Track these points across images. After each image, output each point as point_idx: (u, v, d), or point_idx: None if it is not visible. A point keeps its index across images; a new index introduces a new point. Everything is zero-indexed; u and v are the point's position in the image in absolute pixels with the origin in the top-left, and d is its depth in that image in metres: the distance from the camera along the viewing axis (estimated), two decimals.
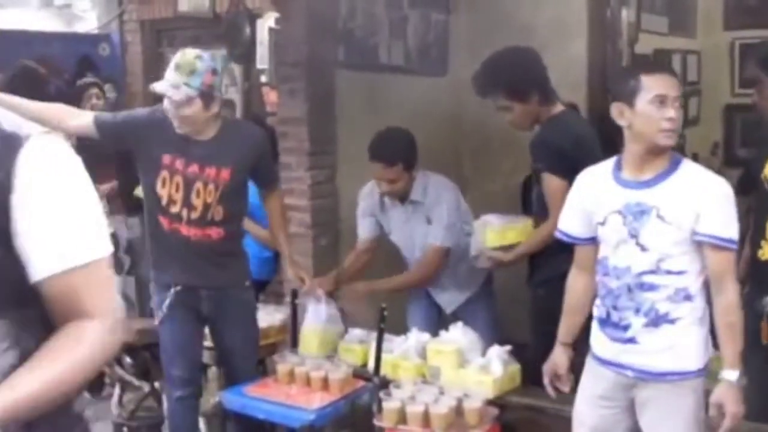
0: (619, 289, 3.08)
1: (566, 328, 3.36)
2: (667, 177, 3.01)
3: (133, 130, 4.05)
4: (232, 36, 6.45)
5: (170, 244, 4.04)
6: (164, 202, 4.01)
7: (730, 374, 2.95)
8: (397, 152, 4.35)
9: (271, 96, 6.01)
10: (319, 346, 4.23)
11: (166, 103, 3.93)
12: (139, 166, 4.10)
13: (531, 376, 3.99)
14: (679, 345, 3.04)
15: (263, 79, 6.29)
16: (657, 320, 3.03)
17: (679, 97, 3.02)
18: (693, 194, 2.97)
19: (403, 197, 4.48)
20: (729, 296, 2.97)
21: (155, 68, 7.51)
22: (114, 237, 5.88)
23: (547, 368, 3.37)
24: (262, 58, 6.11)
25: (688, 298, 3.02)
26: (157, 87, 3.92)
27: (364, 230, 4.63)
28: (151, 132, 4.00)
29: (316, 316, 4.27)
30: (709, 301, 3.06)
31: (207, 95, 3.90)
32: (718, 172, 6.95)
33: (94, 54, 7.53)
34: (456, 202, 4.51)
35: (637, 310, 3.06)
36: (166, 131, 3.97)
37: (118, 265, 5.99)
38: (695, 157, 7.40)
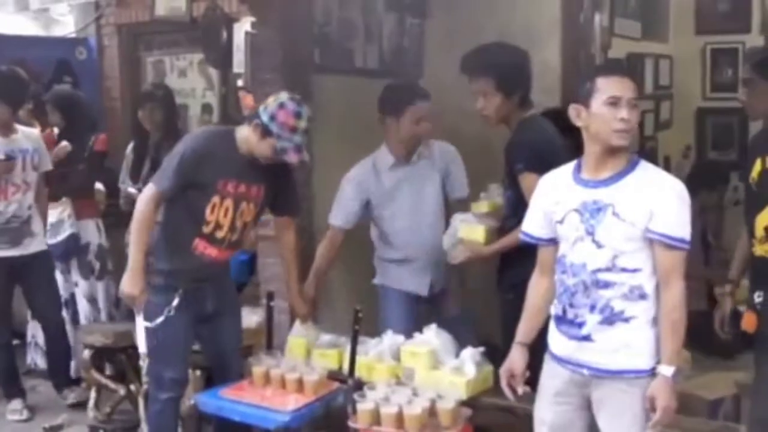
0: (575, 286, 3.12)
1: (525, 329, 3.38)
2: (624, 176, 3.06)
3: (191, 173, 3.96)
4: (209, 40, 6.44)
5: (191, 261, 4.05)
6: (210, 227, 4.00)
7: (666, 369, 3.00)
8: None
9: (247, 100, 5.98)
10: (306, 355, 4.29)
11: (277, 158, 3.94)
12: (190, 197, 4.02)
13: None
14: (633, 343, 3.07)
15: (240, 83, 6.27)
16: (612, 318, 3.06)
17: (634, 99, 3.05)
18: (648, 193, 3.01)
19: (409, 154, 4.59)
20: (674, 294, 3.00)
21: (132, 72, 7.49)
22: (77, 239, 5.88)
23: (503, 369, 3.38)
24: (239, 63, 6.09)
25: (642, 296, 3.05)
26: (299, 157, 3.94)
27: (349, 216, 4.61)
28: (208, 162, 3.95)
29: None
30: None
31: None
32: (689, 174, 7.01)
33: (72, 58, 7.49)
34: None
35: (593, 308, 3.10)
36: (221, 157, 3.97)
37: (87, 269, 5.97)
38: (667, 160, 7.52)
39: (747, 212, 3.83)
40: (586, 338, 3.12)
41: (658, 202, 2.99)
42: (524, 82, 4.15)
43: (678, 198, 3.01)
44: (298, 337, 4.36)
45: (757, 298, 3.76)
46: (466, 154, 5.08)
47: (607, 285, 3.06)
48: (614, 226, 3.03)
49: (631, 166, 3.08)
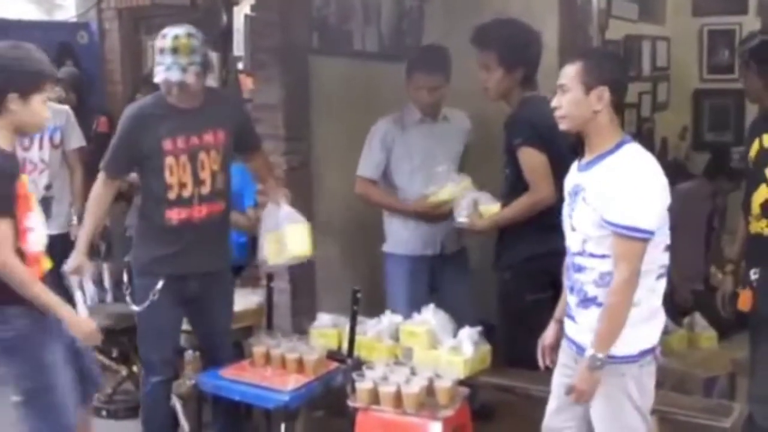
0: (566, 266, 3.20)
1: (559, 306, 3.39)
2: (601, 161, 3.03)
3: (132, 145, 3.95)
4: (209, 23, 6.39)
5: (171, 239, 3.97)
6: (175, 191, 3.93)
7: (589, 351, 2.98)
8: (443, 63, 4.57)
9: (247, 83, 5.98)
10: (277, 252, 4.13)
11: (167, 86, 3.88)
12: (146, 169, 4.00)
13: (500, 357, 4.03)
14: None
15: (240, 66, 6.25)
16: (586, 302, 3.06)
17: (564, 84, 3.06)
18: (609, 179, 2.97)
19: (435, 114, 4.63)
20: (617, 280, 2.95)
21: (133, 55, 7.47)
22: None
23: (540, 342, 3.41)
24: (239, 45, 6.08)
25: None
26: (166, 76, 3.83)
27: (378, 166, 4.66)
28: (143, 132, 3.92)
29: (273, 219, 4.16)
30: (653, 288, 3.06)
31: (205, 66, 3.95)
32: (687, 155, 7.05)
33: (73, 42, 7.46)
34: None
35: (572, 289, 3.14)
36: (155, 120, 3.92)
37: (94, 251, 5.94)
38: (664, 141, 7.50)
39: (745, 191, 3.85)
40: (572, 317, 3.17)
41: (614, 188, 2.94)
42: (528, 60, 4.14)
43: (633, 186, 2.93)
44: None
45: (753, 275, 3.78)
46: None
47: (580, 269, 3.08)
48: (583, 211, 3.04)
49: (610, 151, 3.03)
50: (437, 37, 5.53)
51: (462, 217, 4.18)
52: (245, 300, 4.58)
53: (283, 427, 3.89)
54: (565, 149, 3.57)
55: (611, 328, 2.96)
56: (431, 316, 4.01)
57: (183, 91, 3.89)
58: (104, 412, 5.08)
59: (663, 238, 3.03)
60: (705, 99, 7.67)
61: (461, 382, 3.71)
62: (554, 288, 3.65)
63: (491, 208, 4.15)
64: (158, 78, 3.88)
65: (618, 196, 2.92)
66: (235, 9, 6.17)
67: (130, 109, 4.05)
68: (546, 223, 3.73)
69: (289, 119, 4.79)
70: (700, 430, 3.50)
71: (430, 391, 3.59)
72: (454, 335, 3.94)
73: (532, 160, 3.93)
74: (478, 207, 4.17)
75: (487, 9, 5.10)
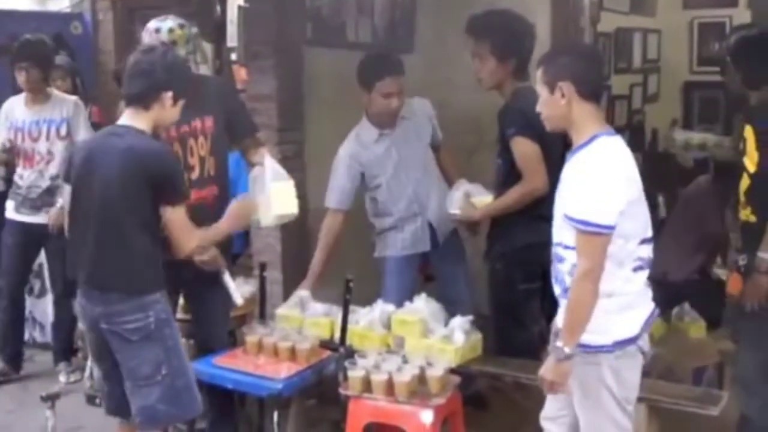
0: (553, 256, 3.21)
1: None
2: (575, 154, 3.07)
3: None
4: (204, 14, 6.38)
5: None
6: None
7: (557, 343, 2.99)
8: (400, 62, 4.54)
9: (241, 73, 5.96)
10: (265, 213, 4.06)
11: None
12: None
13: (491, 346, 4.05)
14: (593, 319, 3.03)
15: (234, 57, 6.24)
16: (565, 292, 3.07)
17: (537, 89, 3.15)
18: (573, 173, 3.02)
19: (393, 122, 4.56)
20: (577, 273, 2.96)
21: (127, 46, 7.42)
22: None
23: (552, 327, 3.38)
24: (233, 37, 6.06)
25: None
26: None
27: (342, 196, 4.55)
28: None
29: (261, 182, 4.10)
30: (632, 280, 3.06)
31: (195, 53, 4.02)
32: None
33: (67, 32, 7.42)
34: None
35: (556, 278, 3.16)
36: None
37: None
38: (655, 133, 7.51)
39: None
40: (558, 304, 3.19)
41: (574, 183, 2.97)
42: (520, 51, 4.15)
43: (590, 181, 2.93)
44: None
45: (741, 261, 3.80)
46: (456, 126, 5.08)
47: (560, 259, 3.10)
48: (557, 202, 3.09)
49: (583, 144, 3.04)
50: (429, 28, 5.54)
51: (454, 209, 4.19)
52: (239, 289, 4.57)
53: (275, 414, 3.91)
54: (557, 140, 3.57)
55: (573, 321, 2.96)
56: (423, 305, 4.02)
57: None
58: (98, 400, 5.07)
59: (637, 231, 3.01)
60: (695, 91, 7.66)
61: (452, 371, 3.72)
62: (544, 278, 3.66)
63: (484, 199, 4.17)
64: None
65: (576, 191, 2.96)
66: (229, 1, 6.15)
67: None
68: (537, 214, 3.76)
69: (283, 110, 4.80)
70: (688, 418, 3.52)
71: (421, 379, 3.61)
72: (446, 324, 3.95)
73: (525, 149, 3.94)
74: (470, 199, 4.19)
75: (478, 1, 5.10)
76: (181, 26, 3.95)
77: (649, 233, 3.07)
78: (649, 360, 3.23)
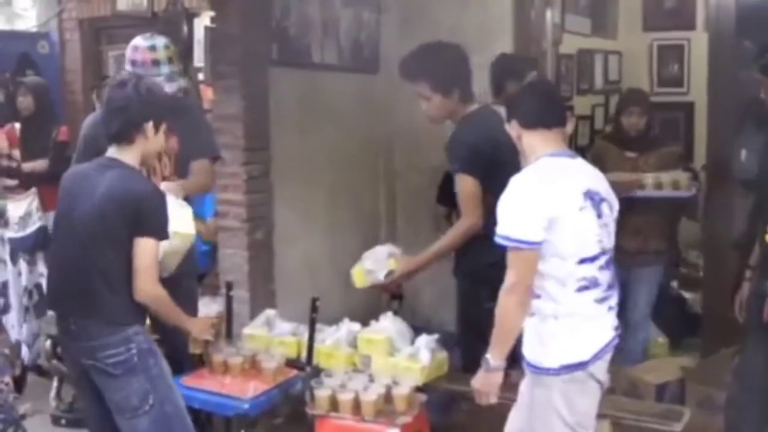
0: None
1: None
2: None
3: (88, 156, 3.80)
4: (170, 34, 6.27)
5: None
6: None
7: (488, 357, 3.05)
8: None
9: (208, 93, 5.93)
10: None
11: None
12: None
13: (460, 363, 4.03)
14: (530, 338, 3.08)
15: (201, 77, 6.20)
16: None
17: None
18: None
19: None
20: (503, 285, 3.01)
21: (94, 66, 7.38)
22: (46, 232, 5.74)
23: None
24: (200, 57, 6.03)
25: (536, 296, 3.04)
26: (176, 85, 3.99)
27: None
28: (101, 141, 3.72)
29: None
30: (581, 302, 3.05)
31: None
32: None
33: (34, 51, 7.37)
34: None
35: None
36: None
37: None
38: None
39: (764, 199, 3.86)
40: None
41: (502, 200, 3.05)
42: (461, 79, 4.06)
43: (509, 197, 3.02)
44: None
45: None
46: (424, 147, 5.08)
47: None
48: None
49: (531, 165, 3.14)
50: (393, 49, 5.54)
51: (382, 275, 4.09)
52: (205, 308, 4.51)
53: None
54: (508, 161, 3.52)
55: (498, 333, 3.02)
56: (389, 324, 4.00)
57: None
58: (63, 421, 5.01)
59: (571, 250, 2.99)
60: (655, 111, 7.67)
61: (419, 389, 3.70)
62: None
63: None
64: (168, 88, 3.91)
65: (500, 207, 3.02)
66: (196, 20, 6.12)
67: (89, 119, 4.02)
68: None
69: (249, 129, 4.77)
70: None
71: (387, 398, 3.59)
72: (412, 343, 3.93)
73: (464, 186, 3.91)
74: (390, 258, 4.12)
75: (441, 21, 5.13)
76: (170, 43, 3.96)
77: (591, 252, 3.02)
78: (605, 390, 3.20)
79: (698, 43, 6.75)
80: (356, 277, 4.12)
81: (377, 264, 4.08)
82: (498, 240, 2.99)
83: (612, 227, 3.15)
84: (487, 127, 4.03)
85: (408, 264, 4.08)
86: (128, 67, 4.04)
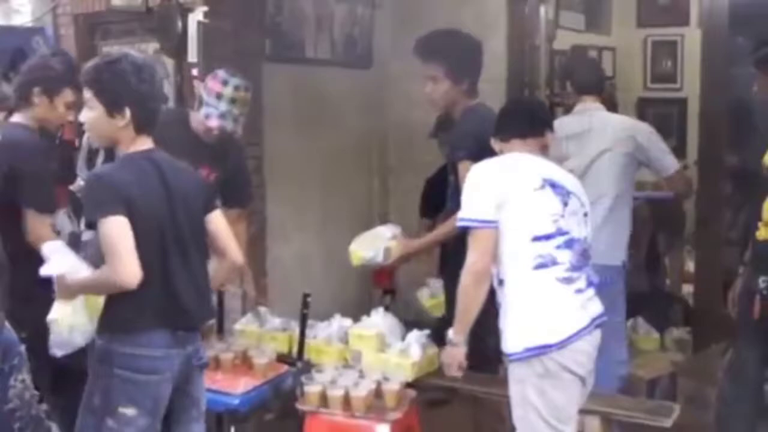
0: None
1: None
2: None
3: None
4: (164, 30, 6.27)
5: None
6: None
7: (450, 333, 3.21)
8: None
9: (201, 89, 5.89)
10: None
11: (210, 129, 3.92)
12: None
13: None
14: (503, 325, 3.14)
15: (194, 72, 6.16)
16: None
17: None
18: None
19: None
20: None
21: (88, 61, 7.32)
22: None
23: None
24: (193, 52, 5.98)
25: (501, 282, 3.13)
26: (221, 123, 3.89)
27: None
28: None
29: None
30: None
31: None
32: None
33: (28, 47, 7.30)
34: None
35: None
36: (175, 138, 3.65)
37: None
38: None
39: (756, 196, 3.81)
40: None
41: None
42: (474, 71, 4.05)
43: (465, 185, 3.21)
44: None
45: (762, 283, 3.68)
46: (418, 142, 5.05)
47: None
48: None
49: None
50: (387, 44, 5.53)
51: (381, 256, 4.03)
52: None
53: (233, 429, 3.83)
54: None
55: (459, 311, 3.16)
56: (380, 320, 3.97)
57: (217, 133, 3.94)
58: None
59: (524, 226, 3.06)
60: (649, 107, 7.71)
61: (409, 385, 3.67)
62: None
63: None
64: (212, 123, 3.89)
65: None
66: (190, 16, 6.06)
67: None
68: None
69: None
70: (641, 430, 3.50)
71: (378, 393, 3.56)
72: (403, 338, 3.90)
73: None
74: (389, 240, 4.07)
75: (436, 18, 5.08)
76: (247, 89, 4.00)
77: (544, 231, 3.06)
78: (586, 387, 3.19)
79: (692, 39, 6.72)
80: (354, 255, 4.07)
81: (377, 244, 4.04)
82: (458, 224, 3.15)
83: (582, 219, 3.20)
84: (489, 120, 4.02)
85: (406, 247, 4.06)
86: (201, 89, 4.03)
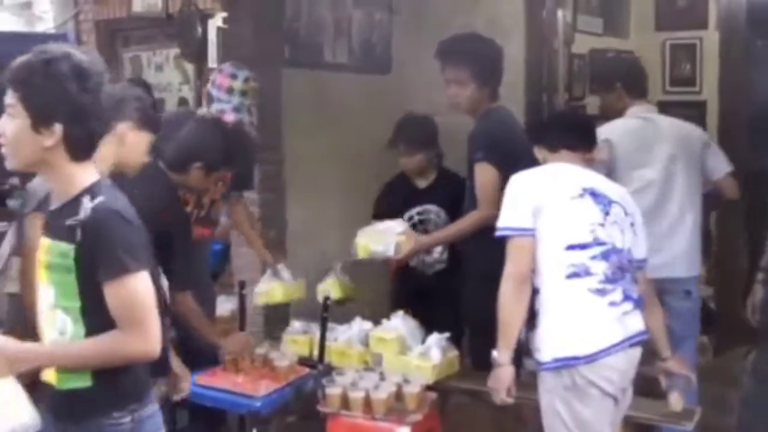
0: None
1: None
2: None
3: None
4: (185, 35, 6.35)
5: None
6: None
7: (494, 353, 3.12)
8: None
9: None
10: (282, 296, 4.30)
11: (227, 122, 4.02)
12: None
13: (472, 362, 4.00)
14: (537, 334, 3.08)
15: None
16: None
17: None
18: None
19: None
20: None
21: (110, 67, 7.36)
22: None
23: None
24: (213, 57, 6.02)
25: (536, 291, 3.07)
26: (237, 117, 4.08)
27: None
28: None
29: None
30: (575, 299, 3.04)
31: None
32: None
33: None
34: None
35: None
36: None
37: None
38: None
39: None
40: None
41: None
42: (497, 75, 4.11)
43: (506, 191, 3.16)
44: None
45: None
46: None
47: None
48: None
49: None
50: (405, 49, 5.52)
51: (391, 252, 4.02)
52: (219, 307, 4.54)
53: (255, 431, 3.84)
54: (528, 160, 3.53)
55: (500, 325, 3.06)
56: (401, 323, 3.98)
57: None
58: None
59: (559, 234, 3.02)
60: (667, 110, 7.53)
61: (429, 387, 3.67)
62: None
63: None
64: (229, 117, 4.01)
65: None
66: (210, 21, 6.12)
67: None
68: None
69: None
70: None
71: (398, 396, 3.56)
72: (423, 341, 3.90)
73: (485, 176, 3.88)
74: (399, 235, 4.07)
75: (452, 22, 5.08)
76: (255, 79, 4.21)
77: (580, 240, 3.01)
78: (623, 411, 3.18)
79: (710, 42, 6.68)
80: (361, 247, 4.05)
81: (387, 238, 4.02)
82: (497, 233, 3.10)
83: (627, 230, 3.13)
84: (509, 123, 4.14)
85: (417, 242, 4.07)
86: (209, 86, 4.08)
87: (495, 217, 3.80)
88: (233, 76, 3.99)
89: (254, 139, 4.36)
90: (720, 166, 4.34)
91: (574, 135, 3.34)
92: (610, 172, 3.97)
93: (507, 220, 3.08)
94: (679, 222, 4.15)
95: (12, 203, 5.29)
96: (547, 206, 3.02)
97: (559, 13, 5.58)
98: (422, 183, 4.84)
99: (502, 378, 3.08)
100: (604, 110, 4.51)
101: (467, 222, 3.97)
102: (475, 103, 4.05)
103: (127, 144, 3.13)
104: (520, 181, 3.15)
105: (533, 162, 3.43)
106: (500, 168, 3.81)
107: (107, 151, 2.85)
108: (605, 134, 4.05)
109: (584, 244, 3.00)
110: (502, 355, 3.06)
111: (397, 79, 5.51)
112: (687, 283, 4.19)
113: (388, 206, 4.69)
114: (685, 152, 4.26)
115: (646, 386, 4.32)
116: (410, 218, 4.62)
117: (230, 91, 3.94)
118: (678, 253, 4.13)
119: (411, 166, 4.78)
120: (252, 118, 4.02)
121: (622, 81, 4.45)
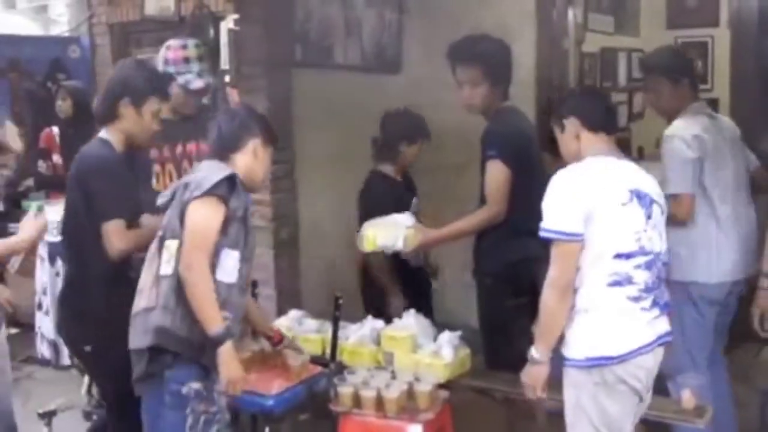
0: None
1: None
2: None
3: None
4: (197, 37, 6.32)
5: None
6: None
7: (532, 350, 3.09)
8: None
9: (234, 95, 5.94)
10: None
11: (194, 93, 4.06)
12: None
13: (486, 361, 3.99)
14: (568, 330, 3.03)
15: (227, 79, 6.21)
16: None
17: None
18: None
19: None
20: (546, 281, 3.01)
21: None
22: None
23: None
24: (225, 59, 6.04)
25: (574, 290, 3.01)
26: (206, 81, 4.06)
27: None
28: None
29: None
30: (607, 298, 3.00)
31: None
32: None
33: (65, 56, 7.42)
34: None
35: None
36: None
37: None
38: (641, 150, 7.47)
39: None
40: None
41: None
42: (508, 74, 4.11)
43: (549, 192, 3.01)
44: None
45: None
46: (444, 145, 5.03)
47: None
48: None
49: None
50: (415, 49, 5.52)
51: (399, 245, 4.01)
52: None
53: (267, 430, 3.84)
54: (536, 160, 3.53)
55: (541, 326, 3.03)
56: (413, 321, 3.97)
57: (197, 96, 4.08)
58: (95, 417, 5.00)
59: (607, 243, 2.95)
60: None
61: (441, 386, 3.66)
62: (533, 293, 3.59)
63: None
64: (196, 85, 4.02)
65: (544, 202, 3.02)
66: (222, 23, 6.14)
67: None
68: (524, 229, 3.68)
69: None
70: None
71: (410, 394, 3.55)
72: (435, 340, 3.89)
73: (496, 174, 3.87)
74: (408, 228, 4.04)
75: (462, 22, 5.07)
76: (198, 44, 4.16)
77: (627, 249, 2.96)
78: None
79: (722, 40, 6.65)
80: (367, 240, 4.03)
81: (396, 232, 4.00)
82: (541, 234, 2.97)
83: (662, 230, 3.10)
84: (521, 122, 4.13)
85: (426, 236, 4.04)
86: (161, 65, 4.06)
87: (503, 213, 3.83)
88: (183, 47, 4.04)
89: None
90: (752, 157, 4.28)
91: (613, 118, 3.25)
92: (700, 172, 3.88)
93: (556, 222, 2.94)
94: (751, 227, 4.08)
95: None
96: (598, 213, 2.92)
97: (570, 12, 5.58)
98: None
99: (537, 376, 3.08)
100: (659, 106, 4.30)
101: (476, 218, 3.96)
102: (487, 102, 4.06)
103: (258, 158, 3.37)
104: (568, 181, 3.00)
105: (539, 161, 3.42)
106: (512, 166, 3.82)
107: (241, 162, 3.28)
108: (690, 131, 3.91)
109: (630, 253, 2.96)
110: (541, 354, 3.05)
111: (408, 79, 5.51)
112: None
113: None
114: (740, 149, 4.20)
115: (656, 384, 4.32)
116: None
117: (187, 60, 3.98)
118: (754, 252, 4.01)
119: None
120: (214, 79, 4.11)
121: (690, 77, 4.24)
